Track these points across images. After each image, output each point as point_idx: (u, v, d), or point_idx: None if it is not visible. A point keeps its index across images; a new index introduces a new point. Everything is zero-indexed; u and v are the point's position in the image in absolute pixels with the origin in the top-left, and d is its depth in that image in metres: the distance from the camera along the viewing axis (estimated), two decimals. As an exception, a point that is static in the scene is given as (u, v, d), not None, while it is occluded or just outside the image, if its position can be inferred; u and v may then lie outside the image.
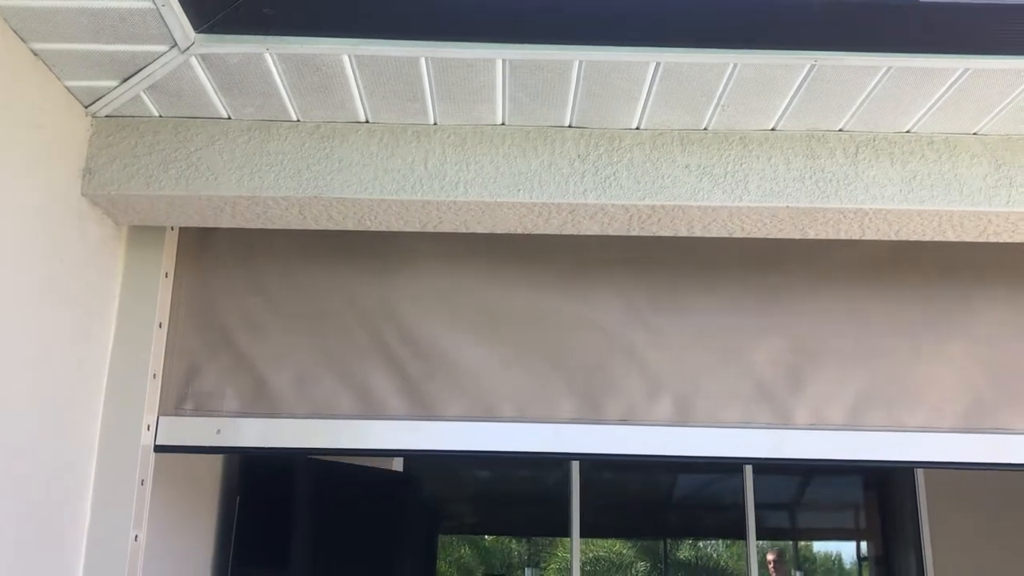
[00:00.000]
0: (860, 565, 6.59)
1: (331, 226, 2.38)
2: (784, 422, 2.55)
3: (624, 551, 7.27)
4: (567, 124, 2.26)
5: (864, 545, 6.51)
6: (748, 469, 5.81)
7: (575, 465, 5.65)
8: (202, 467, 3.28)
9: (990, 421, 2.55)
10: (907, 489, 5.91)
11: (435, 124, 2.26)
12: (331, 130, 2.26)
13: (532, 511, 6.80)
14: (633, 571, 7.29)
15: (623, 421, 2.54)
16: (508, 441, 2.54)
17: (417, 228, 2.38)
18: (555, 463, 5.84)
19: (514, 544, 7.33)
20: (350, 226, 2.38)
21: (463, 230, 2.39)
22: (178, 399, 2.54)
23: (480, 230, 2.41)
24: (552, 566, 6.86)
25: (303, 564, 3.67)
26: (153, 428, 2.48)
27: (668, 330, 2.58)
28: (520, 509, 6.88)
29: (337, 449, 2.61)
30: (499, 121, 2.25)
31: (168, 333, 2.55)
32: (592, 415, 2.55)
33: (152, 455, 2.46)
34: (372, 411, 2.54)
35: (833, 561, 6.90)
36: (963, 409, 2.55)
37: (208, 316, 2.60)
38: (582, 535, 5.67)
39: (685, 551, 7.47)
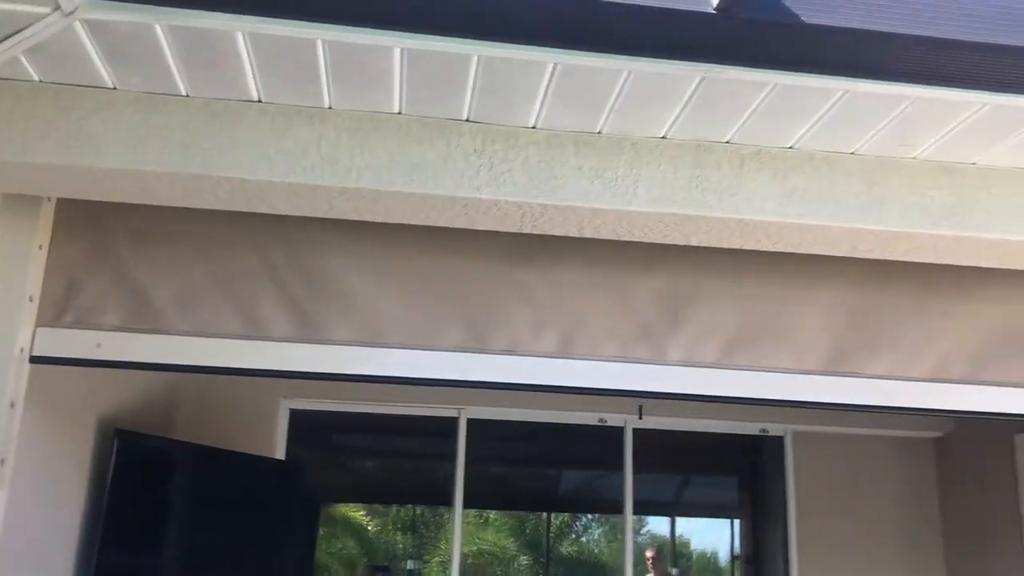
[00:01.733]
0: (733, 564, 6.80)
1: (217, 206, 2.32)
2: (660, 358, 2.66)
3: (507, 544, 7.33)
4: (464, 118, 2.27)
5: (737, 542, 6.72)
6: (628, 446, 5.94)
7: (461, 440, 5.69)
8: (75, 429, 3.16)
9: (849, 365, 2.72)
10: (777, 467, 6.16)
11: (330, 108, 2.23)
12: (222, 107, 2.21)
13: (417, 488, 6.85)
14: (516, 565, 7.35)
15: (508, 352, 2.60)
16: (394, 367, 2.57)
17: (307, 213, 2.35)
18: (441, 457, 5.85)
19: (399, 536, 7.30)
20: (237, 207, 2.33)
21: (354, 217, 2.37)
22: (57, 312, 2.47)
23: (371, 219, 2.40)
24: (436, 559, 6.86)
25: (174, 549, 3.58)
26: (27, 347, 2.42)
27: (556, 267, 2.62)
28: (405, 484, 6.91)
29: (220, 368, 2.57)
30: (396, 110, 2.24)
31: (49, 252, 2.49)
32: (478, 345, 2.60)
33: (25, 375, 2.41)
34: (257, 332, 2.52)
35: (709, 559, 7.10)
36: (825, 353, 2.72)
37: (91, 232, 2.52)
38: (465, 506, 5.71)
39: (567, 546, 7.58)
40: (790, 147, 2.36)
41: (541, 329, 2.64)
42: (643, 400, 5.54)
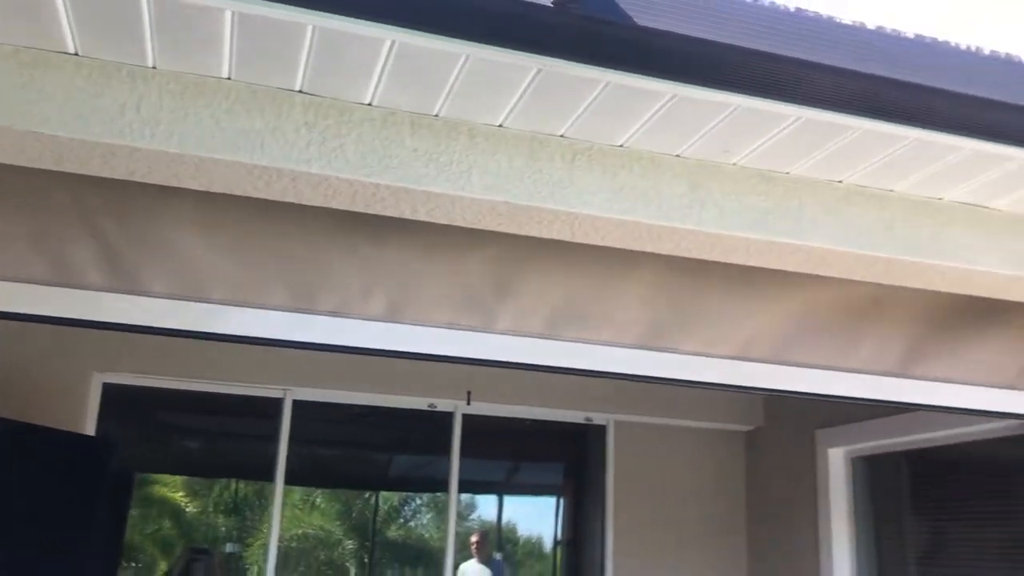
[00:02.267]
0: (556, 548, 6.97)
1: (23, 162, 2.17)
2: (489, 327, 2.70)
3: (332, 528, 7.24)
4: (297, 89, 2.20)
5: (560, 525, 6.89)
6: (457, 431, 5.99)
7: (286, 422, 5.57)
8: None
9: (665, 341, 2.85)
10: (599, 455, 6.37)
11: (154, 68, 2.12)
12: (33, 57, 2.05)
13: (238, 470, 6.67)
14: (341, 549, 7.28)
15: (335, 314, 2.56)
16: (216, 324, 2.48)
17: (123, 175, 2.23)
18: (264, 439, 5.71)
19: (220, 519, 7.07)
20: (46, 165, 2.18)
21: (174, 184, 2.27)
22: None
23: (195, 187, 2.30)
24: (259, 542, 6.69)
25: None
26: None
27: (388, 232, 2.59)
28: (226, 465, 6.72)
29: (24, 315, 2.36)
30: (225, 75, 2.15)
31: None
32: (305, 305, 2.54)
33: None
34: (67, 279, 2.34)
35: (535, 544, 7.24)
36: (644, 329, 2.84)
37: None
38: (287, 482, 5.61)
39: (394, 530, 7.56)
40: (620, 145, 2.42)
41: (370, 293, 2.61)
42: (472, 385, 5.60)
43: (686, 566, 6.35)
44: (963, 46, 2.22)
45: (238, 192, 2.32)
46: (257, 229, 2.52)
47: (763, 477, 6.39)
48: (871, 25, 2.10)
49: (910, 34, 2.17)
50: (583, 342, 2.77)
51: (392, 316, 2.61)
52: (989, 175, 2.51)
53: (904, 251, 2.62)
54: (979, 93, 2.17)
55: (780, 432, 6.22)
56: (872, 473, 5.48)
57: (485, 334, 2.69)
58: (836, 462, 5.53)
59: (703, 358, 2.88)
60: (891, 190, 2.62)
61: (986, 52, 2.22)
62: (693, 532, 6.43)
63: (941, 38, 2.20)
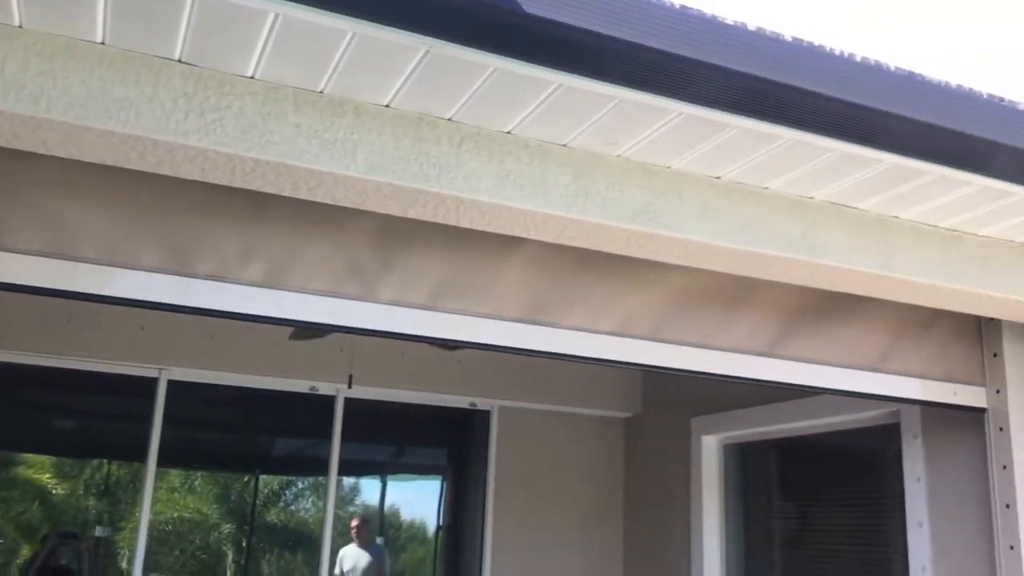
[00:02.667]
0: (438, 533, 6.99)
1: None
2: (371, 297, 2.71)
3: (209, 511, 7.06)
4: (176, 58, 2.12)
5: (443, 509, 6.90)
6: (339, 415, 5.94)
7: (160, 402, 5.43)
8: None
9: (546, 316, 2.93)
10: (483, 440, 6.42)
11: (20, 27, 2.00)
12: None
13: (110, 451, 6.42)
14: (217, 533, 7.11)
15: (213, 277, 2.52)
16: (85, 282, 2.40)
17: (-16, 139, 2.11)
18: (137, 419, 5.53)
19: (91, 501, 6.80)
20: None
21: (41, 151, 2.15)
22: None
23: (63, 155, 2.19)
24: (130, 525, 6.47)
25: None
26: None
27: (269, 196, 2.52)
28: (97, 446, 6.47)
29: None
30: (99, 39, 2.05)
31: None
32: (180, 267, 2.49)
33: None
34: None
35: (418, 528, 7.23)
36: (526, 303, 2.90)
37: None
38: (160, 464, 5.45)
39: (274, 514, 7.43)
40: (508, 132, 2.43)
41: (250, 257, 2.57)
42: (355, 368, 5.55)
43: (564, 549, 6.48)
44: (838, 51, 2.30)
45: (110, 162, 2.22)
46: (132, 189, 2.44)
47: (640, 462, 6.56)
48: (752, 27, 2.17)
49: (789, 37, 2.24)
50: (466, 314, 2.82)
51: (272, 282, 2.59)
52: (858, 177, 2.62)
53: (777, 248, 2.72)
54: (851, 98, 2.26)
55: (657, 419, 6.40)
56: (743, 460, 5.69)
57: (367, 303, 2.70)
58: (709, 449, 5.72)
59: (584, 333, 2.98)
60: (766, 188, 2.72)
61: (858, 59, 2.31)
62: (572, 516, 6.56)
63: (817, 43, 2.28)
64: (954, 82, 2.41)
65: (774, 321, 3.26)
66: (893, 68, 2.33)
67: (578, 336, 2.98)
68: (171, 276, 2.49)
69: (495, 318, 2.87)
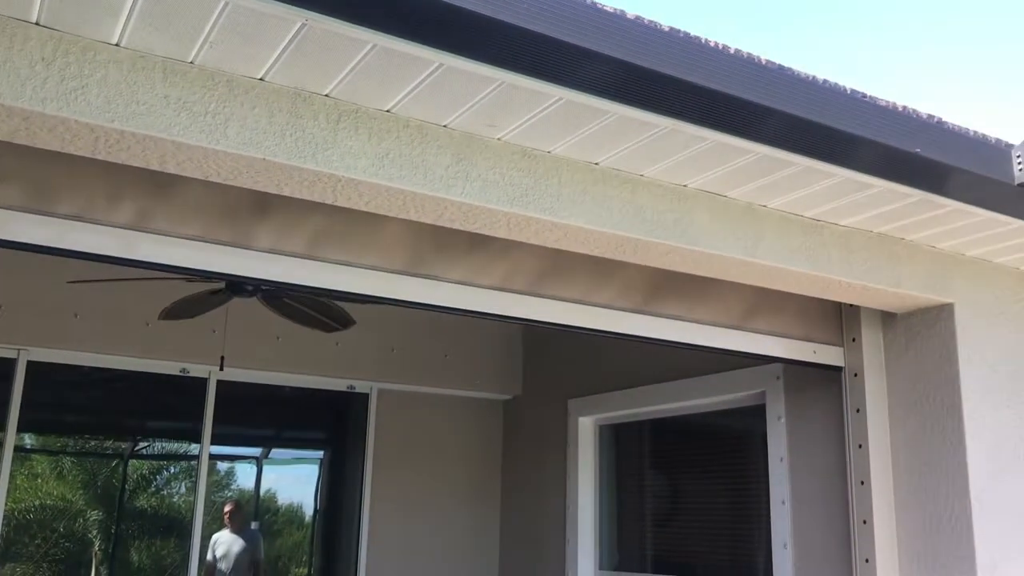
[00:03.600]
0: (315, 517, 6.89)
1: None
2: (246, 243, 2.66)
3: (74, 498, 6.77)
4: (34, 21, 2.00)
5: (320, 493, 6.81)
6: (210, 397, 5.78)
7: (18, 384, 5.17)
8: None
9: (428, 269, 2.97)
10: (361, 423, 6.38)
11: None
12: None
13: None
14: (83, 520, 6.82)
15: (76, 217, 2.44)
16: None
17: None
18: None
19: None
20: None
21: None
22: None
23: (-95, 118, 2.04)
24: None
25: None
26: None
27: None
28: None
29: None
30: (-55, -4, 1.92)
31: None
32: (41, 206, 2.39)
33: None
34: None
35: (295, 512, 7.12)
36: (408, 256, 2.93)
37: None
38: (17, 449, 5.19)
39: (144, 499, 7.18)
40: (387, 111, 2.40)
41: (118, 198, 2.47)
42: (227, 350, 5.40)
43: (442, 531, 6.50)
44: (712, 43, 2.36)
45: (-42, 128, 2.08)
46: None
47: (519, 444, 6.64)
48: (631, 15, 2.20)
49: (665, 27, 2.29)
50: (347, 264, 2.81)
51: (140, 224, 2.52)
52: (730, 166, 2.71)
53: (651, 234, 2.78)
54: (723, 88, 2.33)
55: (536, 401, 6.48)
56: (618, 440, 5.83)
57: (243, 250, 2.65)
58: (585, 430, 5.83)
59: (466, 287, 3.03)
60: (642, 175, 2.77)
61: (732, 50, 2.38)
62: (451, 498, 6.59)
63: (694, 34, 2.33)
64: (821, 77, 2.51)
65: (646, 281, 3.40)
66: (764, 61, 2.41)
67: (460, 290, 3.03)
68: (30, 214, 2.37)
69: (378, 269, 2.86)
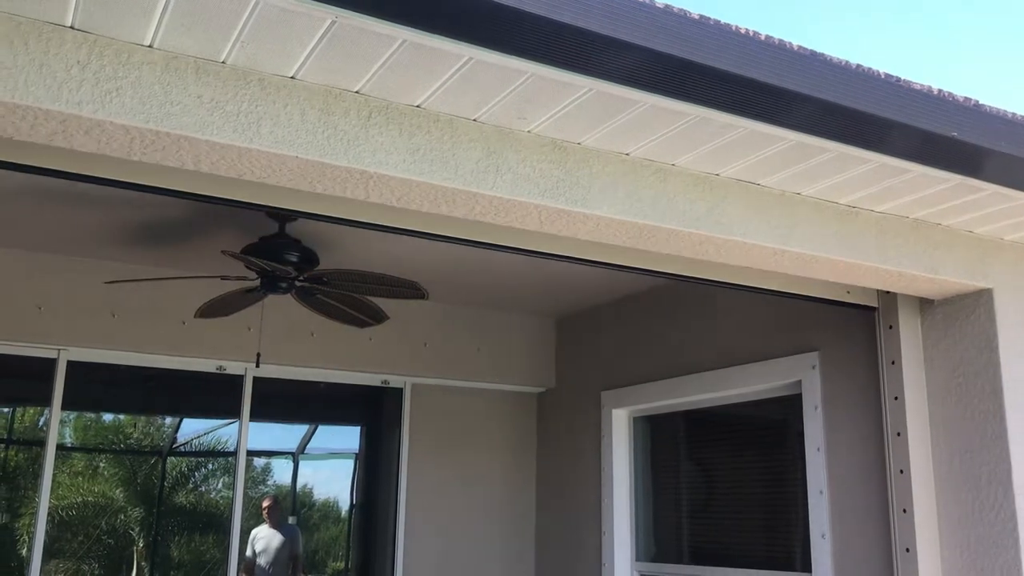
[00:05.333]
0: (352, 511, 6.94)
1: None
2: None
3: (114, 495, 6.87)
4: (69, 24, 2.03)
5: (356, 487, 6.86)
6: (247, 394, 5.85)
7: (59, 384, 5.26)
8: None
9: None
10: (396, 418, 6.44)
11: None
12: None
13: (5, 423, 6.18)
14: (124, 516, 6.93)
15: None
16: None
17: None
18: (36, 402, 5.32)
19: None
20: None
21: (-80, 120, 2.04)
22: None
23: (-55, 124, 2.07)
24: (31, 511, 6.24)
25: None
26: None
27: None
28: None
29: None
30: (-18, 3, 1.95)
31: None
32: None
33: None
34: None
35: (332, 507, 7.17)
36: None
37: None
38: (60, 448, 5.28)
39: (183, 496, 7.27)
40: (417, 106, 2.40)
41: None
42: (263, 347, 5.45)
43: (478, 524, 6.51)
44: (742, 29, 2.34)
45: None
46: None
47: (553, 436, 6.63)
48: (660, 3, 2.18)
49: (696, 15, 2.27)
50: None
51: None
52: (762, 154, 2.68)
53: (683, 223, 2.76)
54: (755, 76, 2.30)
55: (569, 394, 6.47)
56: (652, 432, 5.81)
57: None
58: (619, 421, 5.82)
59: None
60: (673, 164, 2.75)
61: (762, 37, 2.35)
62: (486, 491, 6.60)
63: (723, 21, 2.31)
64: (854, 62, 2.48)
65: None
66: (796, 47, 2.39)
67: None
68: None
69: None
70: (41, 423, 5.39)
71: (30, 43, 1.99)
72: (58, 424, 5.31)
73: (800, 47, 2.39)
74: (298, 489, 6.92)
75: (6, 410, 6.14)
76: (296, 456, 6.94)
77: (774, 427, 4.91)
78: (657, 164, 2.74)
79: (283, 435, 6.90)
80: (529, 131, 2.54)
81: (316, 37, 2.07)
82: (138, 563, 6.65)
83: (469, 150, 2.47)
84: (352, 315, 4.86)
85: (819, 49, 2.42)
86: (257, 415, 5.98)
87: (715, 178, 2.84)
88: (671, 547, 5.56)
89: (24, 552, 5.76)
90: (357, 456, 7.03)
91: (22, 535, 5.96)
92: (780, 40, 2.38)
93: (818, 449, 4.24)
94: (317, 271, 4.43)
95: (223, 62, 2.18)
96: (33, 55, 1.99)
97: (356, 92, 2.33)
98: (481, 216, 2.67)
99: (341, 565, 7.15)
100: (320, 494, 7.12)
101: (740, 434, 5.19)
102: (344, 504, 7.04)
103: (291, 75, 2.24)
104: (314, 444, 7.12)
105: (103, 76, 2.06)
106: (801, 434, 4.35)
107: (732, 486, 5.16)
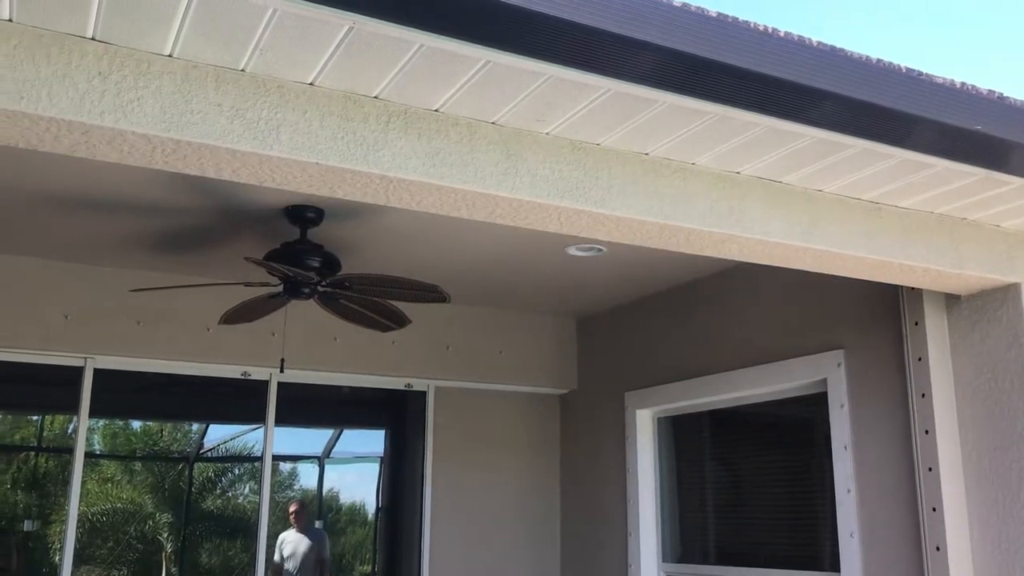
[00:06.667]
0: (378, 515, 6.96)
1: None
2: None
3: (143, 501, 6.93)
4: (90, 36, 2.05)
5: (381, 491, 6.87)
6: (272, 399, 5.88)
7: (86, 391, 5.31)
8: None
9: None
10: (419, 421, 6.45)
11: (-81, 3, 1.91)
12: None
13: (34, 432, 6.24)
14: (152, 522, 6.98)
15: None
16: None
17: None
18: (64, 409, 5.37)
19: (19, 495, 6.60)
20: None
21: (-55, 133, 2.06)
22: None
23: (-30, 138, 2.10)
24: (61, 518, 6.31)
25: None
26: None
27: None
28: (22, 438, 6.28)
29: None
30: (6, 16, 1.97)
31: None
32: None
33: None
34: None
35: (358, 511, 7.19)
36: None
37: None
38: (89, 455, 5.32)
39: (211, 501, 7.32)
40: (436, 110, 2.41)
41: None
42: (287, 353, 5.47)
43: (503, 525, 6.51)
44: (760, 27, 2.33)
45: (23, 145, 2.14)
46: None
47: (577, 438, 6.62)
48: (677, 2, 2.17)
49: (713, 13, 2.25)
50: None
51: None
52: (783, 151, 2.67)
53: (704, 223, 2.75)
54: (774, 73, 2.29)
55: (592, 395, 6.45)
56: (676, 432, 5.78)
57: None
58: (643, 422, 5.80)
59: None
60: (694, 163, 2.74)
61: (782, 34, 2.34)
62: (511, 493, 6.60)
63: (741, 19, 2.30)
64: (875, 56, 2.46)
65: None
66: (816, 43, 2.37)
67: None
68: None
69: None
70: (70, 430, 5.45)
71: (52, 55, 2.01)
72: (86, 431, 5.36)
73: (820, 43, 2.37)
74: (324, 493, 6.94)
75: (35, 418, 6.21)
76: (322, 460, 6.97)
77: (800, 426, 4.88)
78: (677, 163, 2.73)
79: (308, 439, 6.92)
80: (548, 133, 2.54)
81: (334, 43, 2.07)
82: (167, 568, 6.70)
83: (488, 153, 2.47)
84: (374, 319, 4.87)
85: (838, 45, 2.41)
86: (282, 420, 6.01)
87: (736, 176, 2.83)
88: (698, 548, 5.53)
89: (56, 559, 5.82)
90: (382, 460, 7.04)
91: (54, 542, 6.02)
92: (800, 36, 2.36)
93: (845, 447, 4.20)
94: (339, 276, 4.44)
95: (242, 70, 2.19)
96: (56, 67, 2.02)
97: (375, 97, 2.34)
98: (500, 219, 2.67)
99: (368, 568, 7.17)
100: (346, 498, 7.14)
101: (765, 433, 5.16)
102: (370, 507, 7.05)
103: (310, 82, 2.25)
104: (339, 448, 7.15)
105: (124, 86, 2.08)
106: (827, 432, 4.32)
107: (758, 486, 5.12)
